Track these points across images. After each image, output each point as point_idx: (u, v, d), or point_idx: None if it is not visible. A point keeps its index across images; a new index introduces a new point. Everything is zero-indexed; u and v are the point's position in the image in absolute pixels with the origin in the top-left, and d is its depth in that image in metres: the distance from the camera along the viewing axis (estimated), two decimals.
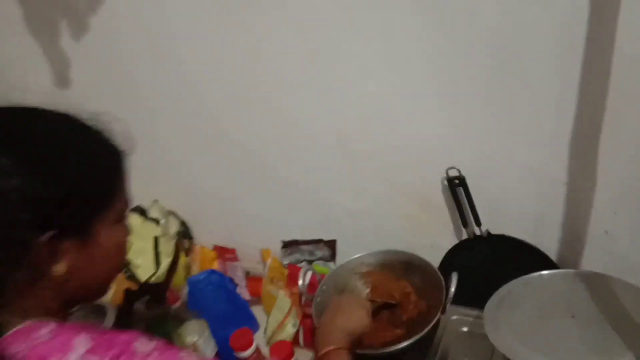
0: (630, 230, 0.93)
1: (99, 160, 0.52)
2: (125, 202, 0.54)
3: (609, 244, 0.96)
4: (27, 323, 0.48)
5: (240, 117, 1.21)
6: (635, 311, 0.80)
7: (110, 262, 0.55)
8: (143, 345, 0.48)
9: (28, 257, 0.46)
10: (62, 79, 1.24)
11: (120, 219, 0.54)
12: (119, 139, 0.54)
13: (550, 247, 1.02)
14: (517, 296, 0.90)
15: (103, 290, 0.57)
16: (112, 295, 1.40)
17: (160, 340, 0.51)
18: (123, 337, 0.48)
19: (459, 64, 0.94)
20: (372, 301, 0.97)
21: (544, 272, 0.93)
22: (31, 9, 1.19)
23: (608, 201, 0.93)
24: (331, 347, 0.71)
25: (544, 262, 1.01)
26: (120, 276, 1.39)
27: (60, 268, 0.49)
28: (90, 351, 0.45)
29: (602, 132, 0.87)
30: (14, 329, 0.46)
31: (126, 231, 0.55)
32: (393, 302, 1.00)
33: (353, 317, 0.80)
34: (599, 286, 0.87)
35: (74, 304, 0.55)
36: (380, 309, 1.02)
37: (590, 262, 0.98)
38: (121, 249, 0.55)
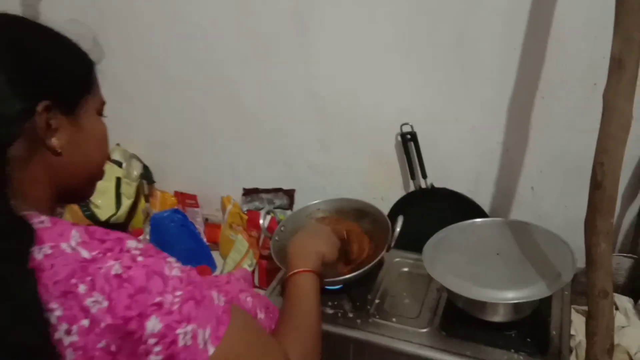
0: (552, 188, 1.08)
1: (75, 51, 0.59)
2: (102, 99, 0.61)
3: (534, 198, 1.11)
4: (25, 213, 0.52)
5: (216, 68, 1.26)
6: (548, 250, 0.94)
7: (96, 149, 0.60)
8: (133, 243, 0.52)
9: (28, 125, 0.51)
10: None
11: (100, 112, 0.61)
12: (89, 44, 0.60)
13: (485, 200, 1.16)
14: (452, 239, 1.03)
15: (88, 187, 0.62)
16: None
17: (148, 243, 0.56)
18: (114, 234, 0.53)
19: (421, 38, 1.04)
20: None
21: (476, 219, 1.06)
22: None
23: (536, 162, 1.07)
24: (305, 269, 0.75)
25: (479, 213, 1.15)
26: (79, 214, 1.42)
27: (54, 141, 0.54)
28: (82, 243, 0.49)
29: (534, 103, 1.01)
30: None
31: (105, 127, 0.62)
32: (344, 238, 1.08)
33: (328, 245, 0.85)
34: (520, 231, 1.00)
35: (62, 197, 0.59)
36: None
37: (517, 214, 1.13)
38: (104, 140, 0.61)
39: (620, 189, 1.03)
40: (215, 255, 1.44)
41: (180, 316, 0.49)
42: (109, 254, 0.49)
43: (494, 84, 1.04)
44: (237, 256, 1.33)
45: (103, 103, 0.62)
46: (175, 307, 0.49)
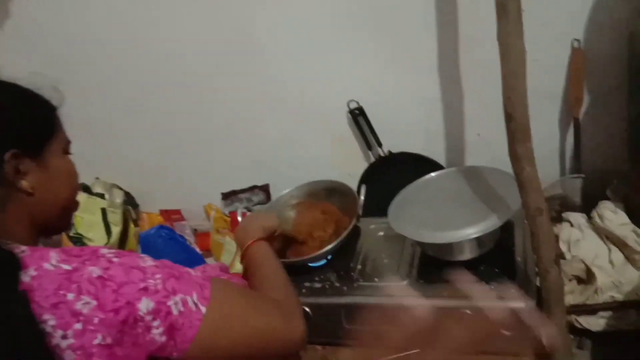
0: (495, 131, 1.15)
1: (35, 101, 0.66)
2: (66, 139, 0.68)
3: (482, 144, 1.19)
4: (8, 246, 0.60)
5: (166, 91, 1.34)
6: (498, 187, 1.02)
7: (65, 185, 0.67)
8: (106, 250, 0.60)
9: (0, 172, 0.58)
10: None
11: (66, 151, 0.68)
12: (50, 92, 0.67)
13: (440, 155, 1.24)
14: (412, 195, 1.11)
15: (64, 219, 0.69)
16: None
17: (120, 249, 0.64)
18: (88, 248, 0.61)
19: (353, 20, 1.13)
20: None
21: (431, 173, 1.14)
22: None
23: (474, 110, 1.15)
24: (250, 241, 0.87)
25: (438, 167, 1.23)
26: None
27: (25, 184, 0.61)
28: (61, 261, 0.56)
29: (459, 57, 1.09)
30: None
31: (72, 163, 0.69)
32: (298, 239, 1.16)
33: (262, 217, 0.97)
34: (472, 175, 1.09)
35: (42, 230, 0.66)
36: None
37: (472, 161, 1.22)
38: (72, 175, 0.69)
39: (555, 117, 1.13)
40: (211, 261, 1.52)
41: (166, 292, 0.57)
42: (87, 262, 0.57)
43: (420, 49, 1.12)
44: (229, 257, 1.41)
45: (68, 142, 0.69)
46: (160, 286, 0.57)
